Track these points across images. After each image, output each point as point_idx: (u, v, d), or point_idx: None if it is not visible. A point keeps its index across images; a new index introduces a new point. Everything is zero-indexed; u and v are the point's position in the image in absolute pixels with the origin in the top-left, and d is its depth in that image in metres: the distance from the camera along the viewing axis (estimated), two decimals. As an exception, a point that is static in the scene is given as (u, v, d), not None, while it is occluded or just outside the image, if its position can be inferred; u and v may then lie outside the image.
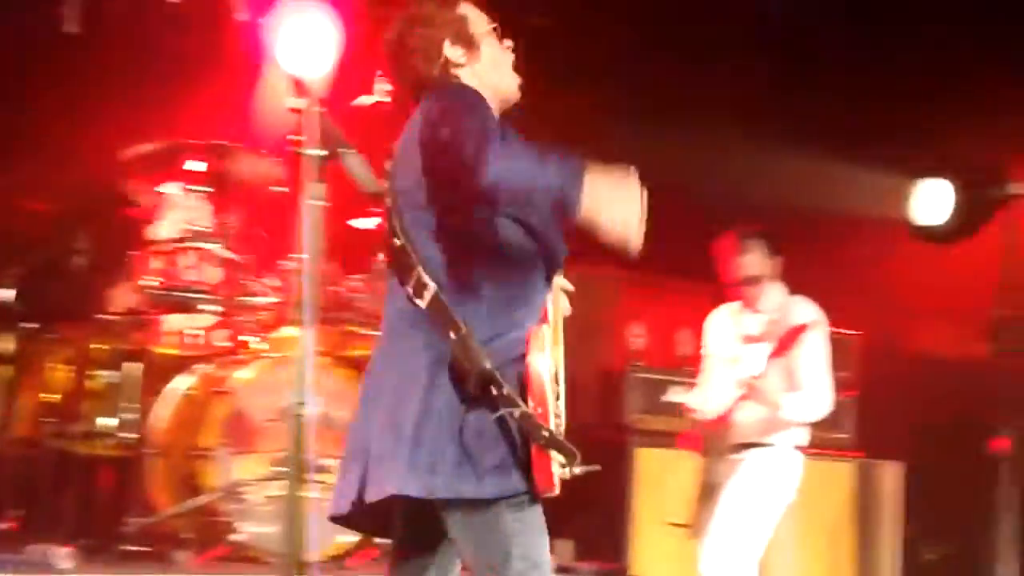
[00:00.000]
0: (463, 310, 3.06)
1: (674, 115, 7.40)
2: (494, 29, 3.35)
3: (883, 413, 7.42)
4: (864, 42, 7.55)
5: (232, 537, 5.42)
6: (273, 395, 5.35)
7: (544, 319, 3.22)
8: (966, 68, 7.20)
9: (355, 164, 2.75)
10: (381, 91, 5.59)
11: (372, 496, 3.07)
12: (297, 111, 2.82)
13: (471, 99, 3.14)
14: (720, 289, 5.72)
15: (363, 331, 5.84)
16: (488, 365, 3.00)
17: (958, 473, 7.37)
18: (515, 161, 2.96)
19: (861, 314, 7.31)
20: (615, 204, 3.01)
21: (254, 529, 5.43)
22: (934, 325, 8.94)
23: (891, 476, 7.29)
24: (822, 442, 6.82)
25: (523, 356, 3.03)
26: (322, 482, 5.27)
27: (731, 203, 7.10)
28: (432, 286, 3.06)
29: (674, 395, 6.62)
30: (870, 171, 7.61)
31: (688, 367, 6.27)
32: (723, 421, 5.36)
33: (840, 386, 6.28)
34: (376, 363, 3.24)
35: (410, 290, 3.10)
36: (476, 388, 3.01)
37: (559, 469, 3.02)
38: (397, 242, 3.15)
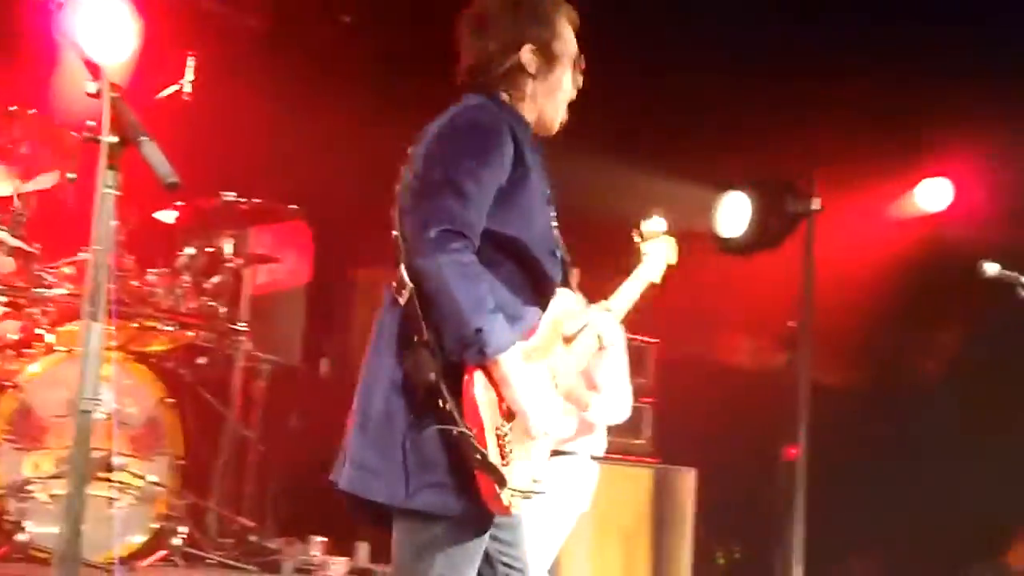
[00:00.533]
0: (428, 316, 2.98)
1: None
2: (577, 58, 3.30)
3: (679, 420, 7.54)
4: (671, 53, 7.67)
5: (18, 536, 5.21)
6: (63, 390, 5.18)
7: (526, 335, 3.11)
8: (772, 83, 7.38)
9: (152, 153, 2.65)
10: (185, 82, 5.51)
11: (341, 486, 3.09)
12: (94, 96, 2.71)
13: (486, 139, 3.06)
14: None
15: (160, 326, 5.68)
16: (432, 378, 2.94)
17: (751, 480, 7.55)
18: (460, 273, 2.90)
19: (661, 322, 7.43)
20: (521, 393, 2.97)
21: (40, 528, 5.24)
22: (733, 335, 9.16)
23: (686, 482, 7.41)
24: (619, 448, 6.90)
25: (466, 372, 2.95)
26: (111, 480, 5.16)
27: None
28: (410, 286, 2.99)
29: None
30: (676, 182, 7.73)
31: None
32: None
33: (638, 393, 6.37)
34: (368, 351, 3.18)
35: (394, 284, 3.04)
36: (423, 399, 2.96)
37: (507, 493, 2.96)
38: (395, 233, 3.09)
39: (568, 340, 3.29)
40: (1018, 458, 7.38)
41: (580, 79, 3.36)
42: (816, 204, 6.56)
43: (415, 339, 2.97)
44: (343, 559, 5.79)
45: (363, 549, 6.21)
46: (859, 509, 8.17)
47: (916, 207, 7.90)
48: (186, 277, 5.79)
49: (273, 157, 6.90)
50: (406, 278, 2.99)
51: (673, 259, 3.48)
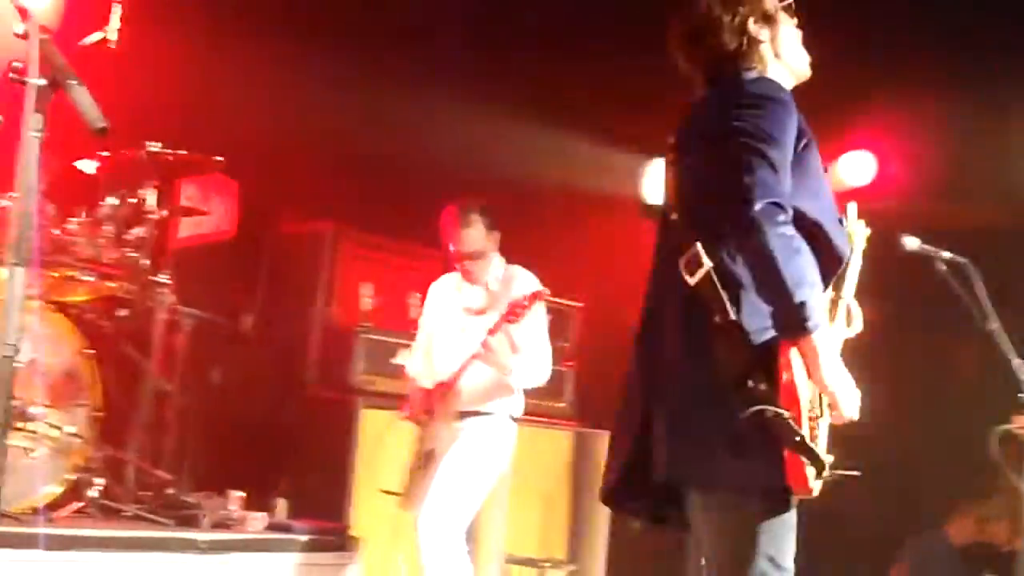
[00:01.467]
0: (732, 295, 3.00)
1: (409, 84, 7.37)
2: (787, 6, 3.38)
3: (601, 384, 7.59)
4: (604, 21, 7.67)
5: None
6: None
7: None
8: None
9: (82, 97, 2.61)
10: (110, 30, 5.41)
11: (655, 478, 3.12)
12: (22, 37, 2.66)
13: (779, 108, 3.10)
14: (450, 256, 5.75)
15: (80, 277, 5.61)
16: (746, 359, 2.95)
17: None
18: (785, 246, 2.90)
19: (585, 287, 7.47)
20: (829, 372, 2.97)
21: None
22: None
23: (605, 446, 7.44)
24: (541, 411, 6.95)
25: (782, 354, 2.95)
26: (27, 430, 5.10)
27: (466, 172, 7.14)
28: (708, 264, 3.00)
29: (401, 358, 6.63)
30: (603, 148, 7.76)
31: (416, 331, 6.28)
32: (444, 389, 5.40)
33: (560, 356, 6.42)
34: (648, 342, 3.22)
35: (683, 264, 3.04)
36: (734, 380, 2.96)
37: (814, 473, 2.95)
38: (674, 216, 3.15)
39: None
40: (945, 432, 7.51)
41: (795, 19, 3.43)
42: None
43: (717, 319, 2.99)
44: (261, 514, 5.77)
45: (281, 505, 6.21)
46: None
47: (839, 180, 7.98)
48: (108, 227, 5.71)
49: (199, 109, 6.80)
50: (702, 256, 3.01)
51: (864, 244, 3.51)
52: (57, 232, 5.55)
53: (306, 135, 7.16)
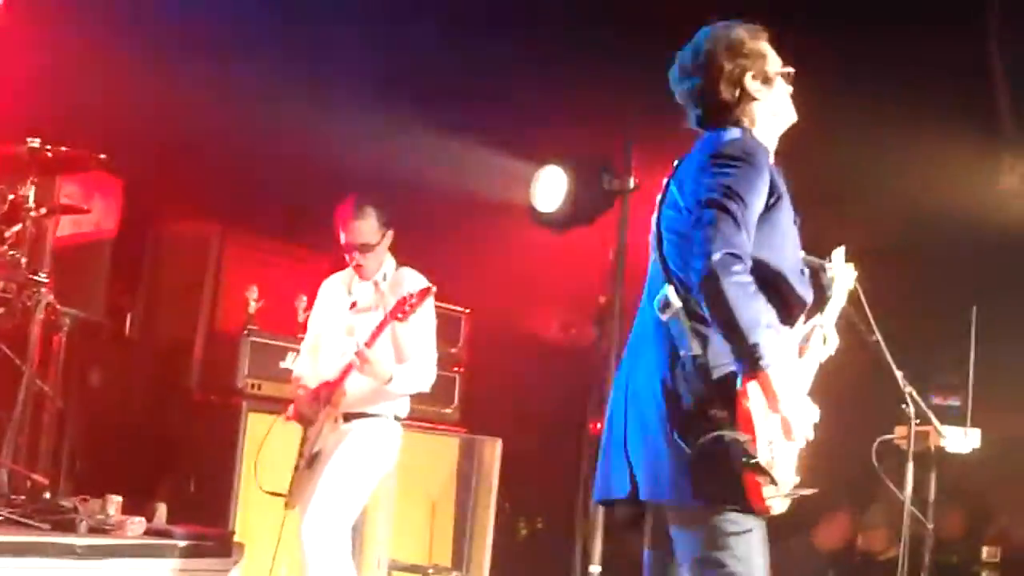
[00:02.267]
0: (698, 334, 3.34)
1: (299, 83, 7.32)
2: (787, 74, 3.60)
3: (488, 391, 7.60)
4: (495, 27, 7.69)
5: None
6: None
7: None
8: (593, 60, 7.45)
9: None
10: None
11: (621, 492, 3.45)
12: None
13: (751, 170, 3.35)
14: (339, 257, 5.71)
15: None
16: (704, 390, 3.31)
17: (556, 452, 7.65)
18: (740, 293, 3.21)
19: (474, 293, 7.46)
20: (787, 405, 3.28)
21: None
22: (545, 308, 9.24)
23: (491, 452, 7.48)
24: (428, 416, 6.93)
25: (742, 386, 3.26)
26: None
27: (356, 174, 7.09)
28: (676, 306, 3.36)
29: (290, 362, 6.56)
30: (495, 154, 7.77)
31: (305, 334, 6.22)
32: (329, 390, 5.35)
33: (448, 362, 6.40)
34: (631, 362, 3.53)
35: (657, 302, 3.40)
36: (697, 408, 3.31)
37: (771, 491, 3.28)
38: (653, 255, 3.52)
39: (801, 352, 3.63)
40: (827, 441, 7.62)
41: (790, 87, 3.64)
42: (632, 183, 6.64)
43: (682, 354, 3.35)
44: (140, 519, 5.66)
45: (161, 510, 6.09)
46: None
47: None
48: (-15, 224, 5.57)
49: (82, 104, 6.67)
50: (671, 298, 3.37)
51: (852, 284, 3.91)
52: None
53: (193, 134, 7.06)
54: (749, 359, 3.22)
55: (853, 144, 7.35)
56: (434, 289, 5.32)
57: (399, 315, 5.20)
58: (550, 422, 7.99)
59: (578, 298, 7.92)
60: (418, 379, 5.44)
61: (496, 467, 7.45)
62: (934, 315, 7.33)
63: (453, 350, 7.22)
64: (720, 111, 3.55)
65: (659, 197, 3.60)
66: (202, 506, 6.32)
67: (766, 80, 3.56)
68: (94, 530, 5.46)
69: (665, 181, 3.60)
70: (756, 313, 3.23)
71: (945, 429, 5.41)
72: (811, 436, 3.37)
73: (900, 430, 5.22)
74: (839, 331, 4.94)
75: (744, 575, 3.35)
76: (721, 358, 3.32)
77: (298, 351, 6.25)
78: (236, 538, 5.94)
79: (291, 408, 5.56)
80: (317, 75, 7.35)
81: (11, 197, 5.67)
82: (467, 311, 7.47)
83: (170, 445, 6.62)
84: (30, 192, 5.73)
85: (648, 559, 3.63)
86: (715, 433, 3.25)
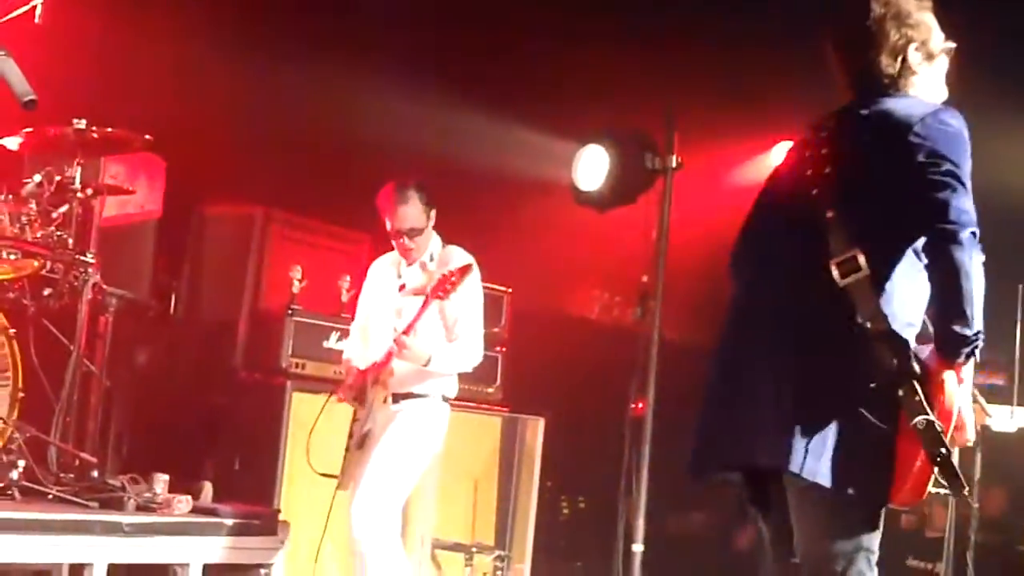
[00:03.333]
0: (890, 300, 3.16)
1: (342, 65, 7.32)
2: (949, 50, 3.49)
3: (531, 370, 7.60)
4: (543, 7, 7.67)
5: None
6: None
7: None
8: (637, 38, 7.42)
9: (9, 69, 2.55)
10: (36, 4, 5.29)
11: (751, 461, 3.30)
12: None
13: (963, 141, 3.25)
14: (381, 237, 5.72)
15: (4, 254, 5.50)
16: (908, 367, 3.06)
17: (598, 432, 7.63)
18: (979, 277, 3.08)
19: (516, 272, 7.46)
20: (968, 403, 3.15)
21: None
22: (587, 288, 9.24)
23: (534, 431, 7.48)
24: (471, 395, 6.94)
25: (935, 371, 3.09)
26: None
27: (398, 155, 7.10)
28: (865, 270, 3.13)
29: (334, 342, 6.59)
30: (536, 133, 7.75)
31: (348, 314, 6.24)
32: (378, 371, 5.37)
33: (490, 341, 6.41)
34: (766, 323, 3.30)
35: (835, 264, 3.15)
36: (887, 384, 3.08)
37: (932, 485, 3.10)
38: (829, 215, 3.21)
39: None
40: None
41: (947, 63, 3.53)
42: (674, 161, 6.59)
43: (870, 325, 3.10)
44: (186, 497, 5.70)
45: (207, 488, 6.14)
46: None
47: (771, 169, 8.02)
48: (33, 205, 5.61)
49: (127, 86, 6.72)
50: (860, 260, 3.14)
51: None
52: (-21, 210, 5.44)
53: (236, 115, 7.09)
54: (963, 346, 3.07)
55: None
56: (475, 265, 5.33)
57: (440, 293, 5.20)
58: (592, 401, 7.97)
59: (620, 277, 7.91)
60: (462, 358, 5.45)
61: (538, 446, 7.45)
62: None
63: (496, 329, 7.22)
64: (883, 81, 3.42)
65: (815, 151, 3.42)
66: (247, 485, 6.35)
67: (928, 55, 3.46)
68: (141, 508, 5.52)
69: (825, 129, 3.44)
70: (980, 299, 3.09)
71: (991, 408, 5.36)
72: (973, 440, 3.21)
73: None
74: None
75: (871, 569, 3.24)
76: (908, 331, 3.16)
77: (341, 331, 6.28)
78: (281, 517, 5.99)
79: (341, 389, 5.58)
80: (358, 56, 7.36)
81: (58, 178, 5.71)
82: (509, 290, 7.46)
83: (215, 424, 6.66)
84: (76, 173, 5.78)
85: (770, 533, 3.48)
86: (925, 417, 3.01)
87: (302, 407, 6.24)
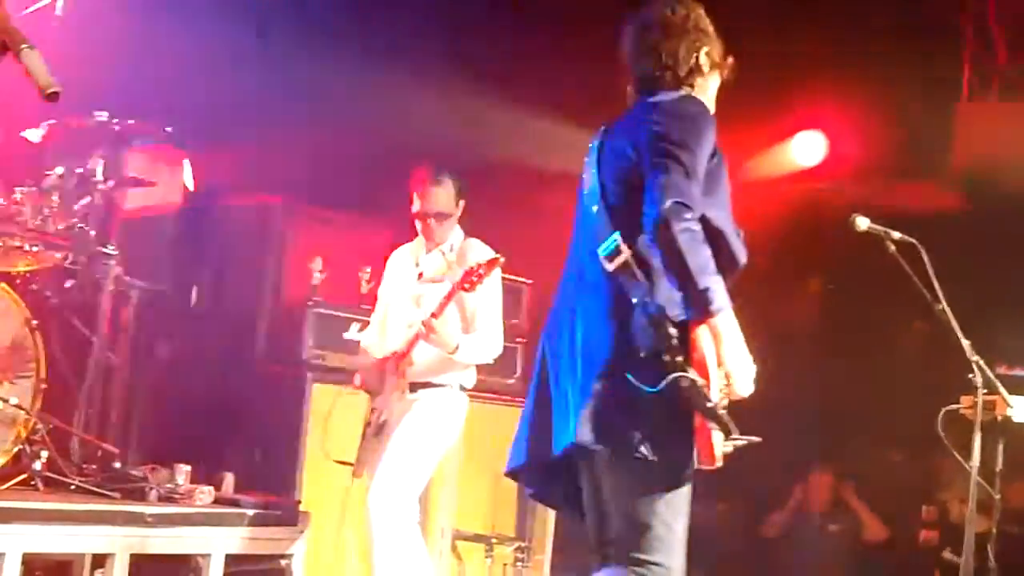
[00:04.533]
0: (652, 279, 3.37)
1: (362, 55, 7.32)
2: (730, 64, 3.71)
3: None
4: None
5: None
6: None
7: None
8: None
9: (34, 61, 2.57)
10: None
11: (555, 449, 3.47)
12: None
13: (706, 129, 3.46)
14: (402, 228, 5.72)
15: (27, 247, 5.53)
16: (666, 334, 3.28)
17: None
18: (690, 239, 3.26)
19: (536, 264, 7.45)
20: (732, 351, 3.32)
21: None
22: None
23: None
24: (491, 387, 6.94)
25: (692, 332, 3.29)
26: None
27: (418, 146, 7.10)
28: (626, 253, 3.39)
29: (353, 333, 6.60)
30: (559, 125, 7.74)
31: (368, 305, 6.25)
32: (396, 359, 5.38)
33: (510, 332, 6.41)
34: (568, 317, 3.53)
35: (605, 252, 3.42)
36: (652, 353, 3.29)
37: (720, 442, 3.26)
38: (595, 207, 3.51)
39: None
40: (881, 409, 7.59)
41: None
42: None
43: (636, 300, 3.35)
44: (208, 488, 5.73)
45: (228, 479, 6.17)
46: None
47: (790, 160, 8.02)
48: (55, 197, 5.63)
49: (147, 78, 6.73)
50: (621, 245, 3.39)
51: None
52: (2, 202, 5.47)
53: (257, 106, 7.10)
54: (701, 304, 3.27)
55: (919, 109, 7.26)
56: (501, 260, 5.33)
57: (466, 286, 5.20)
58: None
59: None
60: (485, 349, 5.45)
61: (559, 438, 7.43)
62: (1002, 283, 7.25)
63: (515, 321, 7.21)
64: (672, 79, 3.61)
65: (594, 149, 3.66)
66: (268, 475, 6.38)
67: (714, 63, 3.67)
68: (164, 499, 5.55)
69: (601, 134, 3.67)
70: (706, 259, 3.29)
71: (1012, 399, 5.34)
72: (750, 391, 3.39)
73: (967, 400, 5.17)
74: (908, 299, 4.93)
75: (665, 539, 3.39)
76: (673, 305, 3.34)
77: (361, 322, 6.29)
78: (302, 507, 6.01)
79: (358, 378, 5.59)
80: (383, 46, 7.36)
81: (80, 170, 5.74)
82: (529, 282, 7.46)
83: (236, 415, 6.68)
84: (98, 165, 5.80)
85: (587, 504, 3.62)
86: (676, 374, 3.25)
87: (322, 398, 6.26)
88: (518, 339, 7.29)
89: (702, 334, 3.29)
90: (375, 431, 5.35)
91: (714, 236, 3.39)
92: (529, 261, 7.17)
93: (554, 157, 7.82)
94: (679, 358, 3.27)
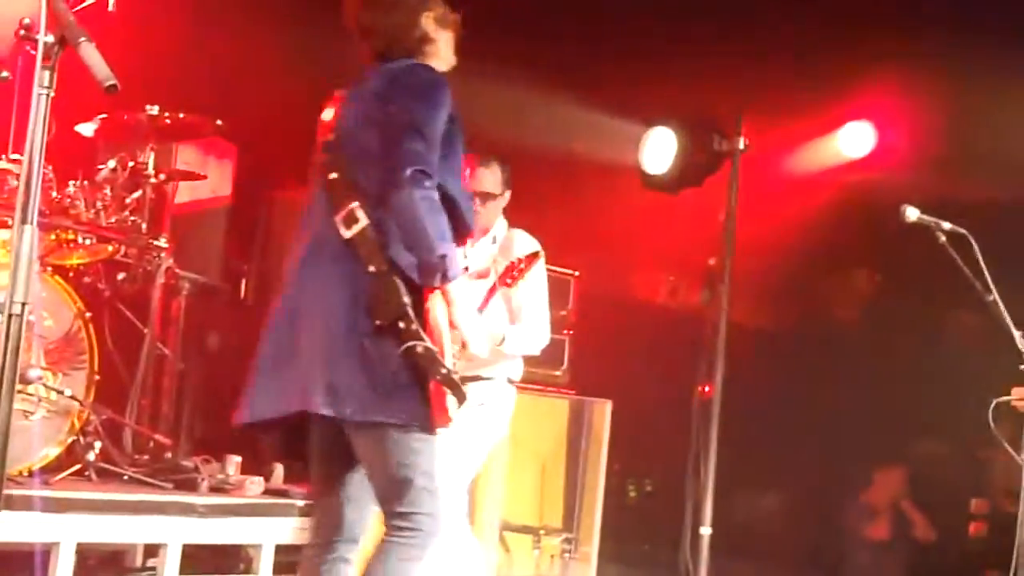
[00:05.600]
0: (390, 246, 3.43)
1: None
2: (455, 21, 3.83)
3: (598, 353, 7.59)
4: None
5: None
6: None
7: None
8: (703, 21, 7.39)
9: (91, 54, 2.60)
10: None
11: (290, 407, 3.49)
12: (29, -5, 2.64)
13: (440, 95, 3.56)
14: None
15: (79, 240, 5.59)
16: (402, 301, 3.39)
17: (665, 415, 7.64)
18: (429, 207, 3.39)
19: (583, 255, 7.46)
20: (464, 316, 3.52)
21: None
22: (654, 271, 9.22)
23: (601, 414, 7.47)
24: (538, 378, 6.95)
25: (426, 299, 3.44)
26: (26, 392, 5.09)
27: (465, 138, 7.11)
28: (364, 221, 3.45)
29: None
30: (604, 116, 7.73)
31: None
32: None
33: (557, 324, 6.42)
34: (303, 280, 3.58)
35: (340, 220, 3.48)
36: (388, 321, 3.39)
37: (455, 405, 3.45)
38: (333, 175, 3.54)
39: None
40: (930, 401, 7.54)
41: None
42: (742, 143, 6.57)
43: (373, 268, 3.42)
44: (258, 479, 5.77)
45: (278, 470, 6.21)
46: (768, 448, 8.31)
47: (839, 150, 7.97)
48: (107, 191, 5.69)
49: (198, 72, 6.78)
50: (358, 213, 3.45)
51: None
52: (56, 195, 5.52)
53: (304, 98, 7.11)
54: (437, 272, 3.40)
55: (976, 96, 7.19)
56: (542, 253, 5.32)
57: (508, 280, 5.20)
58: (659, 384, 7.97)
59: (687, 260, 7.88)
60: (531, 341, 5.44)
61: (606, 429, 7.44)
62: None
63: (562, 312, 7.21)
64: (404, 45, 3.70)
65: (330, 117, 3.68)
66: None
67: (442, 23, 3.77)
68: (215, 489, 5.59)
69: (337, 102, 3.71)
70: (443, 227, 3.42)
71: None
72: (485, 353, 3.60)
73: (1017, 391, 5.13)
74: (957, 290, 4.90)
75: (431, 489, 3.51)
76: (410, 272, 3.42)
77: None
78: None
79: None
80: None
81: (131, 164, 5.79)
82: (576, 273, 7.45)
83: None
84: (149, 159, 5.86)
85: (316, 474, 3.70)
86: (410, 343, 3.36)
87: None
88: (565, 331, 7.29)
89: (436, 301, 3.42)
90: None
91: (449, 203, 3.49)
92: (576, 252, 7.19)
93: (602, 147, 7.83)
94: (414, 326, 3.37)
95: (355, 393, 3.41)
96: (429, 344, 3.38)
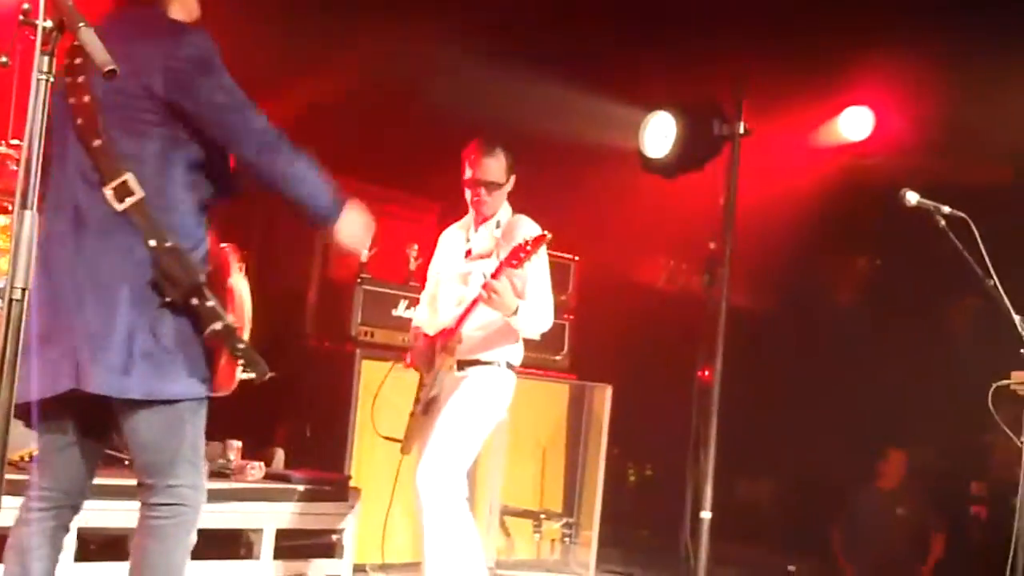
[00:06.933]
0: (167, 220, 3.33)
1: (408, 33, 7.33)
2: None
3: (598, 338, 7.61)
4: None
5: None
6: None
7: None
8: (702, 5, 7.38)
9: (90, 39, 2.60)
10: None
11: (61, 387, 3.32)
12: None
13: (215, 55, 3.48)
14: (450, 206, 5.72)
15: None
16: (199, 278, 3.33)
17: (665, 400, 7.65)
18: (301, 164, 3.57)
19: (584, 240, 7.46)
20: (352, 226, 3.73)
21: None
22: (654, 255, 9.23)
23: (601, 399, 7.49)
24: (538, 363, 6.97)
25: (225, 273, 3.46)
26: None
27: (466, 123, 7.11)
28: (139, 193, 3.29)
29: (402, 310, 6.64)
30: (604, 101, 7.73)
31: (416, 282, 6.28)
32: (446, 336, 5.39)
33: (558, 309, 6.42)
34: (71, 252, 3.35)
35: (110, 192, 3.30)
36: (180, 297, 3.32)
37: (239, 371, 3.44)
38: (97, 142, 3.31)
39: None
40: (930, 384, 7.55)
41: None
42: (742, 128, 6.56)
43: (155, 242, 3.29)
44: (259, 464, 5.79)
45: (279, 455, 6.23)
46: (769, 432, 8.33)
47: (839, 135, 7.97)
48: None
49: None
50: (132, 185, 3.28)
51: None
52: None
53: (304, 84, 7.13)
54: (337, 209, 3.62)
55: (975, 81, 7.18)
56: (549, 236, 5.31)
57: (513, 262, 5.19)
58: (659, 369, 7.99)
59: (687, 244, 7.88)
60: (539, 318, 5.43)
61: (606, 413, 7.46)
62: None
63: (563, 297, 7.22)
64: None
65: (61, 74, 3.31)
66: (318, 451, 6.43)
67: None
68: (215, 474, 5.60)
69: (78, 63, 3.38)
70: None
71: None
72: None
73: (1017, 375, 5.13)
74: (957, 274, 4.90)
75: (193, 461, 3.50)
76: (195, 243, 3.39)
77: (409, 299, 6.31)
78: (352, 483, 6.05)
79: (408, 356, 5.61)
80: (428, 24, 7.37)
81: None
82: (576, 258, 7.47)
83: (286, 392, 6.72)
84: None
85: (61, 442, 3.57)
86: (221, 324, 3.33)
87: (371, 375, 6.29)
88: (565, 315, 7.30)
89: (239, 278, 3.46)
90: (424, 408, 5.37)
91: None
92: (576, 237, 7.19)
93: (601, 132, 7.82)
94: (210, 303, 3.33)
95: (135, 371, 3.29)
96: (228, 321, 3.36)
